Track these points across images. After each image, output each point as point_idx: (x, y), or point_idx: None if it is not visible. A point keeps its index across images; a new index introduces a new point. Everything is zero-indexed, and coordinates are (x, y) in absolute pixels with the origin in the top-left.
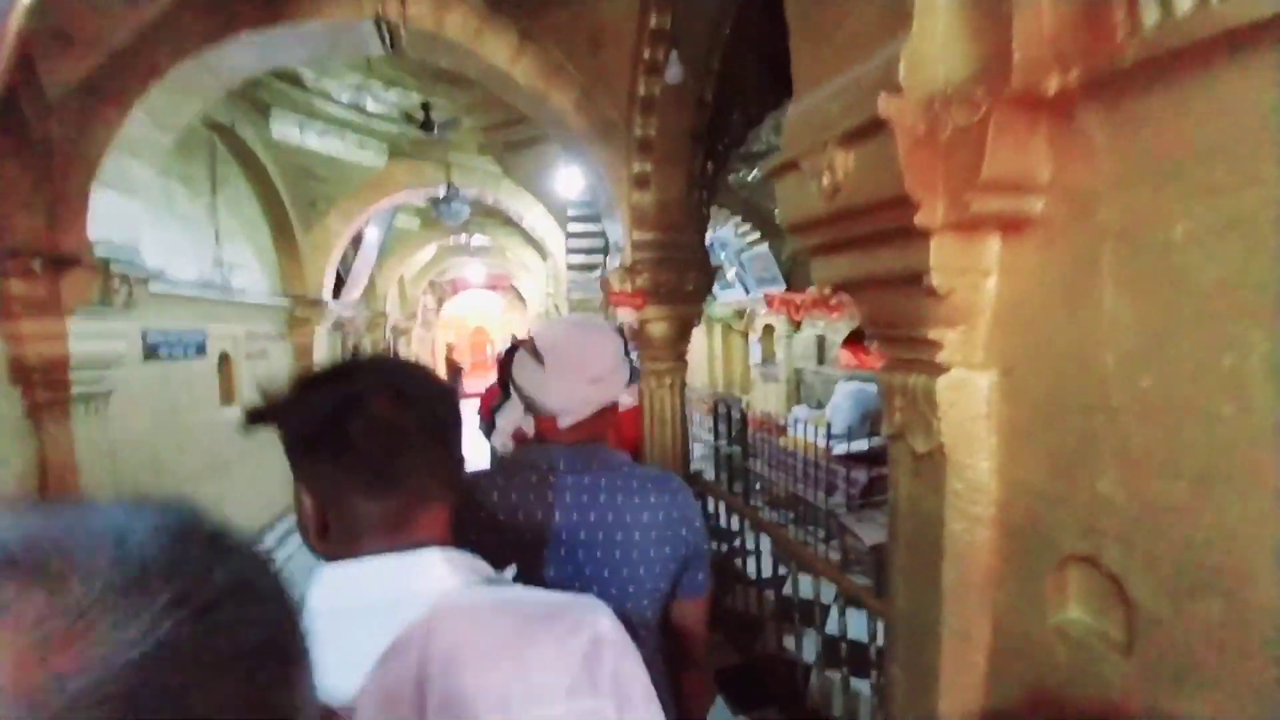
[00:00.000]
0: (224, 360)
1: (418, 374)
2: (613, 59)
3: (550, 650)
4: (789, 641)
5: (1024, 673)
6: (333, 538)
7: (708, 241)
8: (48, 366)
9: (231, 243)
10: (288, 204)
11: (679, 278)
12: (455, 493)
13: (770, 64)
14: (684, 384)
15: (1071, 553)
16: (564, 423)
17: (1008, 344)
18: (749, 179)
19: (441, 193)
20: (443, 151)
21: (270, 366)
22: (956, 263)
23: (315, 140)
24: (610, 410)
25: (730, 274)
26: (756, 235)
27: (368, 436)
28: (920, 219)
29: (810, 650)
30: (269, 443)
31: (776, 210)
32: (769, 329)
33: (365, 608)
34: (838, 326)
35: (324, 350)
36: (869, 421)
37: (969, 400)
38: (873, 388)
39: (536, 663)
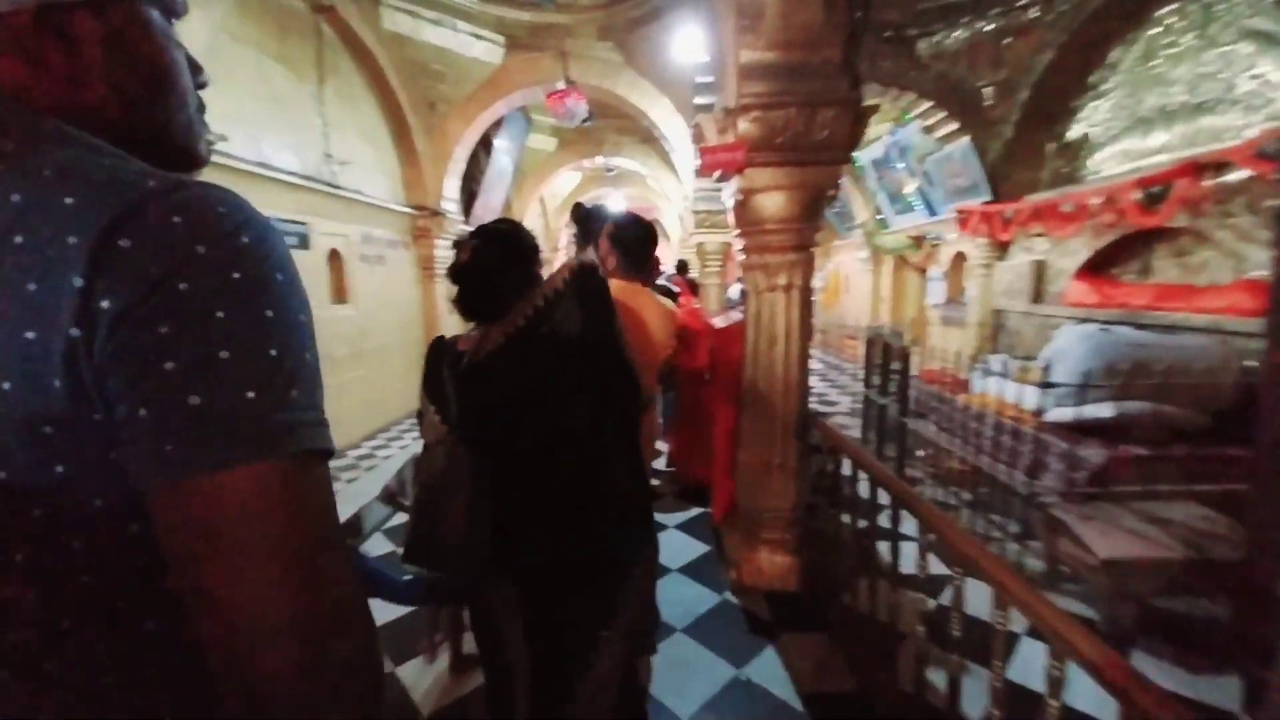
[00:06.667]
0: (334, 258)
1: None
2: None
3: None
4: (936, 678)
5: None
6: None
7: (881, 151)
8: None
9: (342, 138)
10: (405, 105)
11: (807, 120)
12: None
13: None
14: (808, 289)
15: None
16: None
17: None
18: (947, 41)
19: (560, 86)
20: (559, 39)
21: (389, 274)
22: None
23: (429, 31)
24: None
25: (909, 189)
26: (953, 127)
27: None
28: None
29: (973, 699)
30: (384, 352)
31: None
32: (959, 258)
33: None
34: (1070, 248)
35: None
36: (1115, 378)
37: None
38: (1125, 332)
39: None
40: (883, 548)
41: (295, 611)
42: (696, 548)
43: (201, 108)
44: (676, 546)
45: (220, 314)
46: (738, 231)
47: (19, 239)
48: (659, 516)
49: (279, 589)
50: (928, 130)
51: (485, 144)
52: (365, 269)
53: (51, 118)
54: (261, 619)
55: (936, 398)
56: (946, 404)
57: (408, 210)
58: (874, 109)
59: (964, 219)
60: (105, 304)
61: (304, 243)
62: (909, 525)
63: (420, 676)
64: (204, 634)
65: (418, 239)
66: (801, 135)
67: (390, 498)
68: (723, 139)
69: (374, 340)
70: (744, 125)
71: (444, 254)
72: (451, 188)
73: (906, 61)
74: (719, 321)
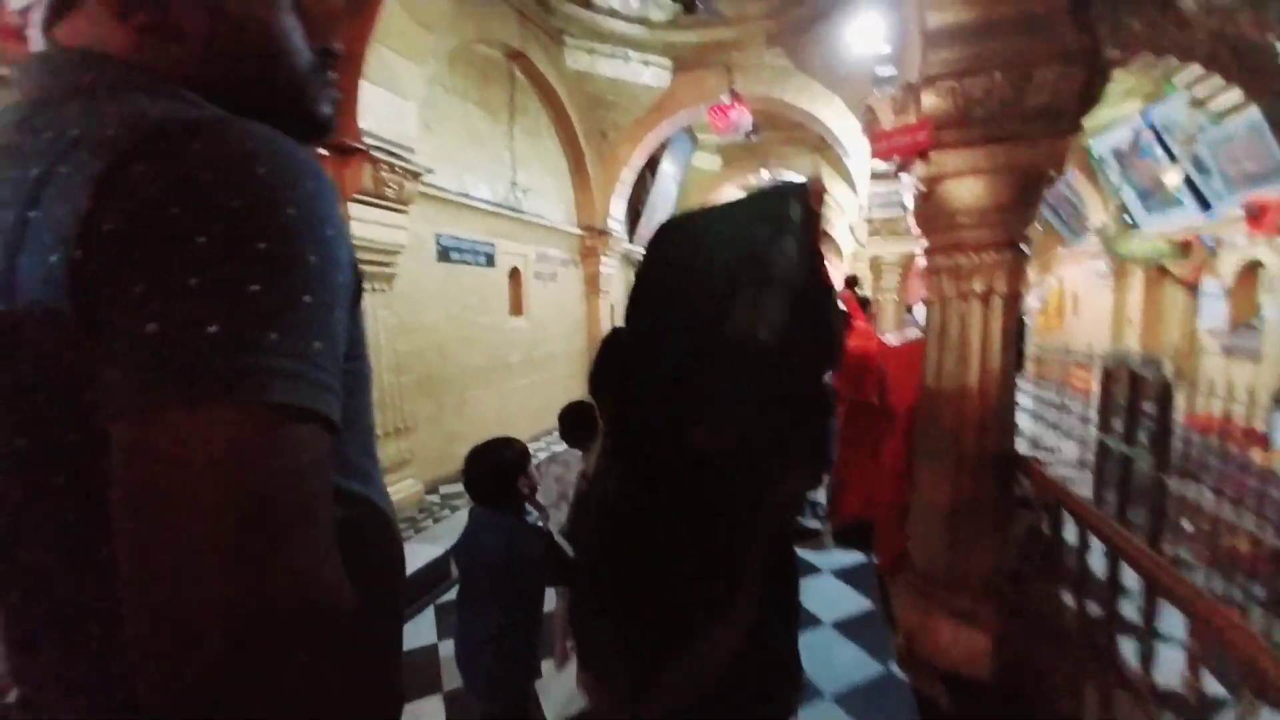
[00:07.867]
0: (514, 275)
1: None
2: None
3: None
4: None
5: None
6: None
7: (1127, 136)
8: None
9: (526, 169)
10: (581, 135)
11: (1018, 84)
12: None
13: None
14: (1015, 297)
15: None
16: None
17: None
18: None
19: (725, 99)
20: (725, 54)
21: (560, 289)
22: None
23: (604, 64)
24: None
25: (1172, 180)
26: (1236, 97)
27: None
28: None
29: None
30: (551, 360)
31: None
32: (1251, 268)
33: None
34: None
35: (618, 284)
36: None
37: None
38: None
39: None
40: (1127, 647)
41: (226, 602)
42: (856, 602)
43: (318, 68)
44: (832, 596)
45: (202, 239)
46: (919, 231)
47: (63, 169)
48: (810, 557)
49: (207, 564)
50: (1197, 104)
51: (651, 165)
52: (539, 285)
53: (146, 73)
54: (180, 605)
55: (1215, 452)
56: (1231, 462)
57: (578, 231)
58: (1117, 61)
59: (1257, 215)
60: (106, 227)
61: (490, 261)
62: (1171, 621)
63: (548, 680)
64: (126, 622)
65: (585, 257)
66: (1010, 105)
67: None
68: (902, 120)
69: (543, 349)
70: (930, 100)
71: (609, 271)
72: (618, 208)
73: (1164, 18)
74: (891, 338)
